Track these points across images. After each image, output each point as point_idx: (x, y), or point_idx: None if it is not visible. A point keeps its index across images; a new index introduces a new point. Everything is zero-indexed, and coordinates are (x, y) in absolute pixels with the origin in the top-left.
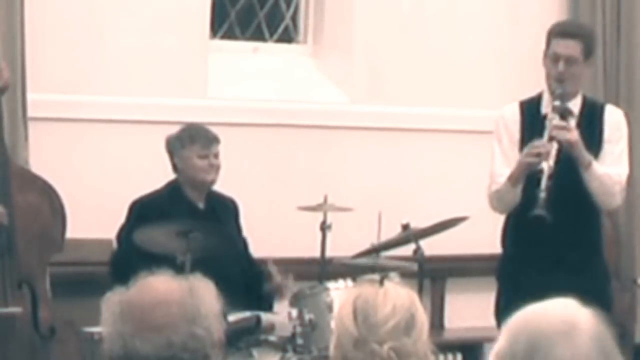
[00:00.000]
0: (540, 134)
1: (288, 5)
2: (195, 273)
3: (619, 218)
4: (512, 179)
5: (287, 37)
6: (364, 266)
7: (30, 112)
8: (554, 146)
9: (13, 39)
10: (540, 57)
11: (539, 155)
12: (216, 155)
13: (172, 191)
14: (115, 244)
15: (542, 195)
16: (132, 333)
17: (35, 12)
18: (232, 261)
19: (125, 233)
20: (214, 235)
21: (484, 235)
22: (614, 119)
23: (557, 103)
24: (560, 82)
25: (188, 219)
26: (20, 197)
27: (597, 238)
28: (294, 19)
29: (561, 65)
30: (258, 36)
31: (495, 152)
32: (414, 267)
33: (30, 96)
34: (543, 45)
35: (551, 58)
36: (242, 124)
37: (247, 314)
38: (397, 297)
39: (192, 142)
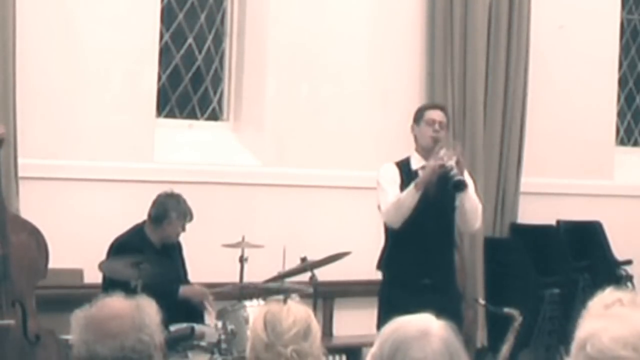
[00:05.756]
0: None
1: (215, 92)
2: (144, 295)
3: (465, 253)
4: (419, 185)
5: (214, 116)
6: (272, 289)
7: (21, 173)
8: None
9: (7, 115)
10: (404, 134)
11: (444, 154)
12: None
13: (138, 233)
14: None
15: (456, 174)
16: (93, 340)
17: (25, 90)
18: (174, 285)
19: None
20: (159, 266)
21: (362, 266)
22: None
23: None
24: (436, 141)
25: (145, 254)
26: (14, 237)
27: (452, 267)
28: (220, 102)
29: (437, 126)
30: (192, 115)
31: (384, 190)
32: (310, 290)
33: (20, 160)
34: (406, 124)
35: (428, 123)
36: (181, 182)
37: (184, 325)
38: (297, 312)
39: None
